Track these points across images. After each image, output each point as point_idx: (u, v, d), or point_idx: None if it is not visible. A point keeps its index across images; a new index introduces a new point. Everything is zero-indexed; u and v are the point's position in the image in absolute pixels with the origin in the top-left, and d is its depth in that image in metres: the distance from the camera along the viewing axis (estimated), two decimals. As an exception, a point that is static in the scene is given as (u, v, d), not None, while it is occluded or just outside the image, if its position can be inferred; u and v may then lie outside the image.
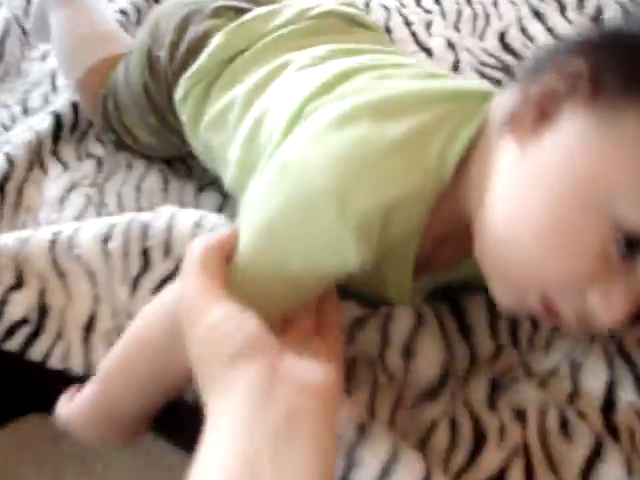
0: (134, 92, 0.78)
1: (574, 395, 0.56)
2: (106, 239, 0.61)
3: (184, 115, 0.71)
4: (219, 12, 0.72)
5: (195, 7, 0.74)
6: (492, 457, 0.52)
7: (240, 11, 0.72)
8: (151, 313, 0.53)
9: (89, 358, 0.60)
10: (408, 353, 0.54)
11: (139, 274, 0.61)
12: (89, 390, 0.55)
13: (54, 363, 0.60)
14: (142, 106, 0.78)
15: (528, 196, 0.46)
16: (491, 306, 0.58)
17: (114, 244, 0.61)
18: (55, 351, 0.60)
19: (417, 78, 0.58)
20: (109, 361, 0.55)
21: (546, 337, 0.59)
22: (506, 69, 0.85)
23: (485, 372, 0.57)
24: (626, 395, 0.55)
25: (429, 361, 0.54)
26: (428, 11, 0.93)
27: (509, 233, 0.47)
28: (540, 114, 0.47)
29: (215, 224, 0.61)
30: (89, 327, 0.61)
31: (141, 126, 0.80)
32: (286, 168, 0.51)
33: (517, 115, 0.48)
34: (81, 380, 0.57)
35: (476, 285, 0.58)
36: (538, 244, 0.45)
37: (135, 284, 0.61)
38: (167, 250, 0.61)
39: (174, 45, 0.73)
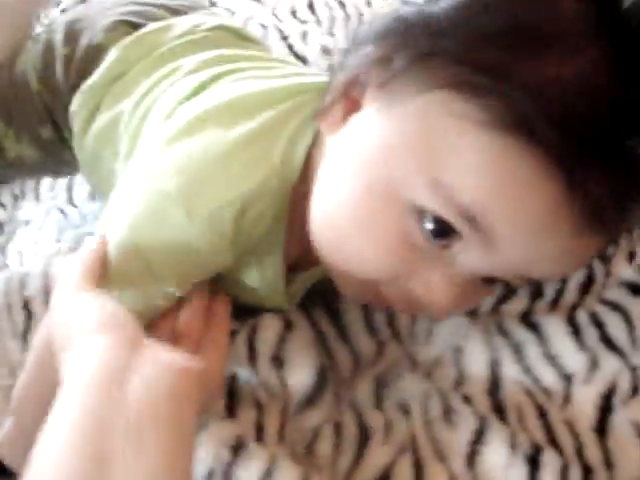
0: (26, 102, 0.74)
1: (459, 380, 0.55)
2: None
3: (75, 126, 0.69)
4: (115, 26, 0.71)
5: (82, 17, 0.74)
6: (377, 456, 0.51)
7: (135, 26, 0.71)
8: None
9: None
10: (279, 362, 0.53)
11: (25, 328, 0.61)
12: (8, 421, 0.55)
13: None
14: (36, 117, 0.73)
15: (336, 187, 0.46)
16: (365, 304, 0.58)
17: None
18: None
19: (280, 77, 0.58)
20: (16, 391, 0.54)
21: (427, 326, 0.58)
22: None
23: (370, 371, 0.57)
24: (510, 372, 0.54)
25: (301, 367, 0.53)
26: (304, 21, 0.93)
27: (326, 226, 0.47)
28: (349, 104, 0.47)
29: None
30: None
31: (22, 138, 0.74)
32: (139, 177, 0.52)
33: (327, 106, 0.48)
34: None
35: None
36: (348, 237, 0.45)
37: (25, 338, 0.61)
38: (47, 299, 0.61)
39: (68, 58, 0.71)
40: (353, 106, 0.47)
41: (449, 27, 0.43)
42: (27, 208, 0.84)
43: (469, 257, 0.43)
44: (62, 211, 0.81)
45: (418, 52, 0.43)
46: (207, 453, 0.49)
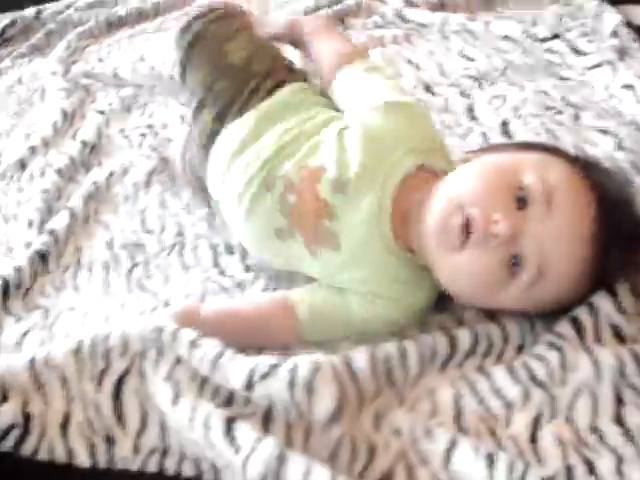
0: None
1: (434, 412, 0.78)
2: (78, 349, 0.81)
3: None
4: None
5: None
6: (382, 462, 0.74)
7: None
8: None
9: (69, 447, 0.78)
10: (310, 389, 0.76)
11: (102, 372, 0.81)
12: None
13: (42, 456, 0.78)
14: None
15: (472, 164, 0.83)
16: (373, 356, 0.80)
17: (84, 351, 0.81)
18: (41, 447, 0.78)
19: None
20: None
21: (413, 378, 0.81)
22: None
23: (370, 406, 0.79)
24: (468, 403, 0.77)
25: (326, 394, 0.75)
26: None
27: (459, 180, 0.83)
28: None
29: (157, 325, 0.82)
30: (65, 424, 0.79)
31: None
32: None
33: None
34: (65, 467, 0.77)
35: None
36: (475, 182, 0.81)
37: (100, 381, 0.80)
38: (124, 350, 0.81)
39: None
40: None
41: None
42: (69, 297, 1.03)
43: (533, 220, 0.76)
44: (101, 301, 1.01)
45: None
46: (259, 463, 0.70)
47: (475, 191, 0.79)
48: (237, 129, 1.01)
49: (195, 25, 1.14)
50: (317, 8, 1.58)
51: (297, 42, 1.23)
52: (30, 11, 1.86)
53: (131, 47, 1.69)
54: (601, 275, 0.78)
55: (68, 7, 1.90)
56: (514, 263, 0.77)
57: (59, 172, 1.27)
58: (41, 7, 1.87)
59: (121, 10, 1.83)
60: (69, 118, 1.43)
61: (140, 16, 1.82)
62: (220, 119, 1.04)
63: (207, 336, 0.82)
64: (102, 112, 1.43)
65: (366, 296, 0.87)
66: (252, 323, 0.88)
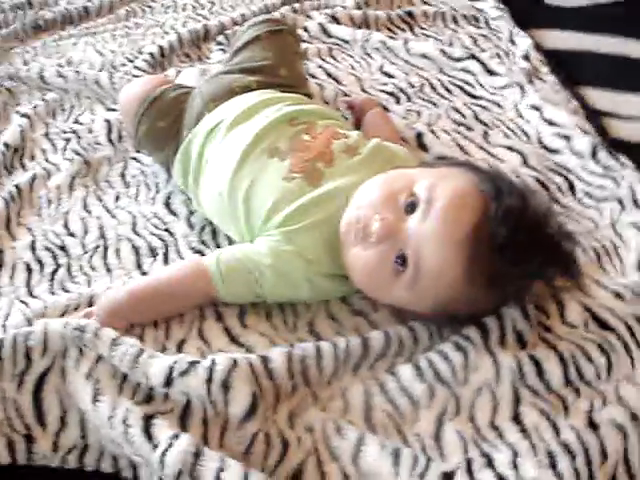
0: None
1: (345, 410, 0.82)
2: (-1, 348, 0.82)
3: None
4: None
5: None
6: (295, 456, 0.78)
7: None
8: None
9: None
10: (226, 386, 0.79)
11: (23, 371, 0.82)
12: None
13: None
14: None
15: (380, 176, 0.93)
16: (290, 356, 0.84)
17: (5, 350, 0.82)
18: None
19: None
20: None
21: (328, 376, 0.85)
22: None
23: (286, 403, 0.82)
24: (377, 400, 0.82)
25: (241, 391, 0.79)
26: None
27: (367, 188, 0.91)
28: None
29: (78, 324, 0.84)
30: (-15, 422, 0.80)
31: None
32: None
33: None
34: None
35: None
36: (376, 187, 0.90)
37: (21, 380, 0.82)
38: (45, 349, 0.83)
39: None
40: None
41: None
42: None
43: (413, 222, 0.83)
44: (23, 302, 1.01)
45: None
46: (175, 458, 0.73)
47: (370, 197, 0.89)
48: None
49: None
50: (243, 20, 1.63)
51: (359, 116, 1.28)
52: (-47, 12, 1.84)
53: (57, 51, 1.70)
54: (492, 282, 0.83)
55: (-7, 9, 1.89)
56: (399, 263, 0.84)
57: (-20, 174, 1.26)
58: (-36, 8, 1.85)
59: (48, 13, 1.84)
60: (-8, 120, 1.43)
61: (67, 20, 1.83)
62: None
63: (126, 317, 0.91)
64: (26, 115, 1.43)
65: (281, 243, 0.93)
66: (168, 288, 0.94)
